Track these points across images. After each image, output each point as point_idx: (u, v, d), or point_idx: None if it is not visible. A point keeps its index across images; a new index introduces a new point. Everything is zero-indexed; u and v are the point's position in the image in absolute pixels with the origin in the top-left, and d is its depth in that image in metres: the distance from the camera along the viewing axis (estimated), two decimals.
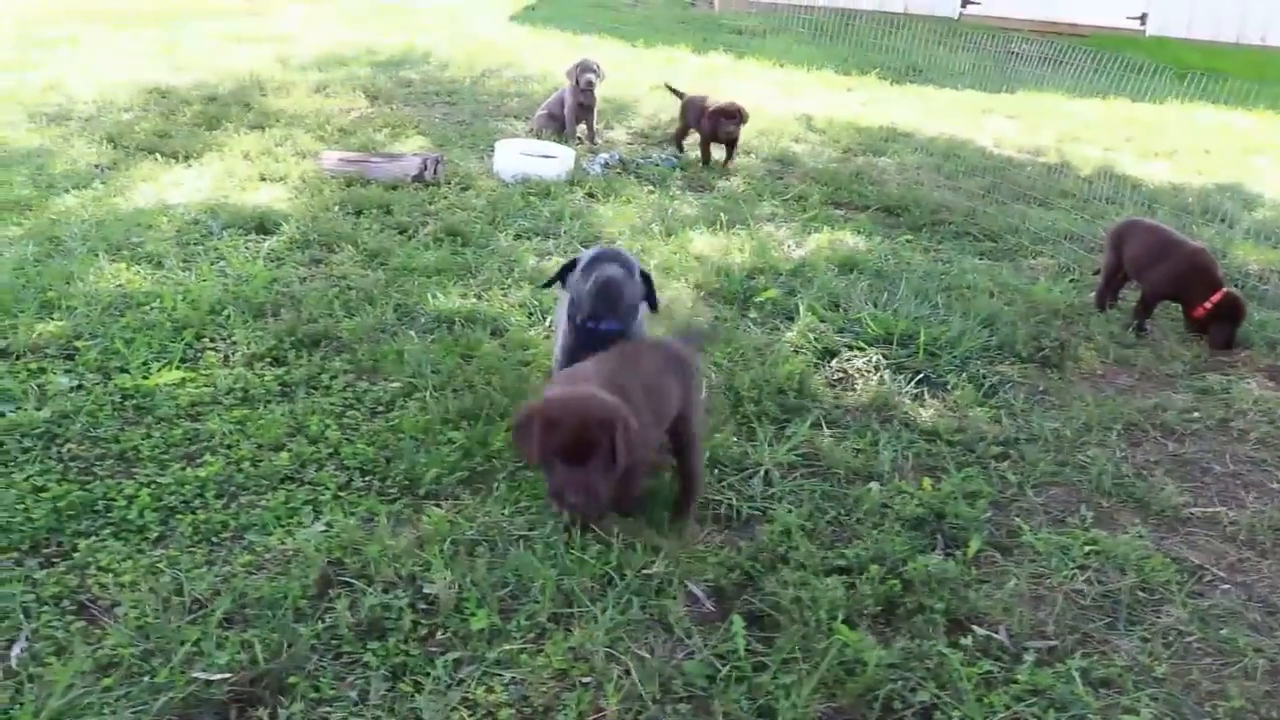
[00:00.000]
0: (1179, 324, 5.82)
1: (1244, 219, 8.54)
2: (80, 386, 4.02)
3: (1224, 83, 14.53)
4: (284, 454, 3.68)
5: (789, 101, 11.67)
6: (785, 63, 14.01)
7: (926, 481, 3.97)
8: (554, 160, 7.55)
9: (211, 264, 5.26)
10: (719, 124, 8.15)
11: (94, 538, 3.18)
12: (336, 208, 6.26)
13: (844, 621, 3.06)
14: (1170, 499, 4.05)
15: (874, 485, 3.93)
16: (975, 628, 3.17)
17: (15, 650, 2.72)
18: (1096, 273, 6.27)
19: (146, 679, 2.63)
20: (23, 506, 3.28)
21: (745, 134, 9.72)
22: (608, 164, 8.08)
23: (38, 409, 3.83)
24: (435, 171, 6.97)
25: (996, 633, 3.18)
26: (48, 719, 2.47)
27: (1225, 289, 5.54)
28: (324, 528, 3.29)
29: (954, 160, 9.83)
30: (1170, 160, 10.79)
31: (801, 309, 5.44)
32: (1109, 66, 14.78)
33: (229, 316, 4.65)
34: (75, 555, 3.09)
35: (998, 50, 17.21)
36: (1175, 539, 3.83)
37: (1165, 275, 5.65)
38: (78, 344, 4.32)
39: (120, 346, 4.29)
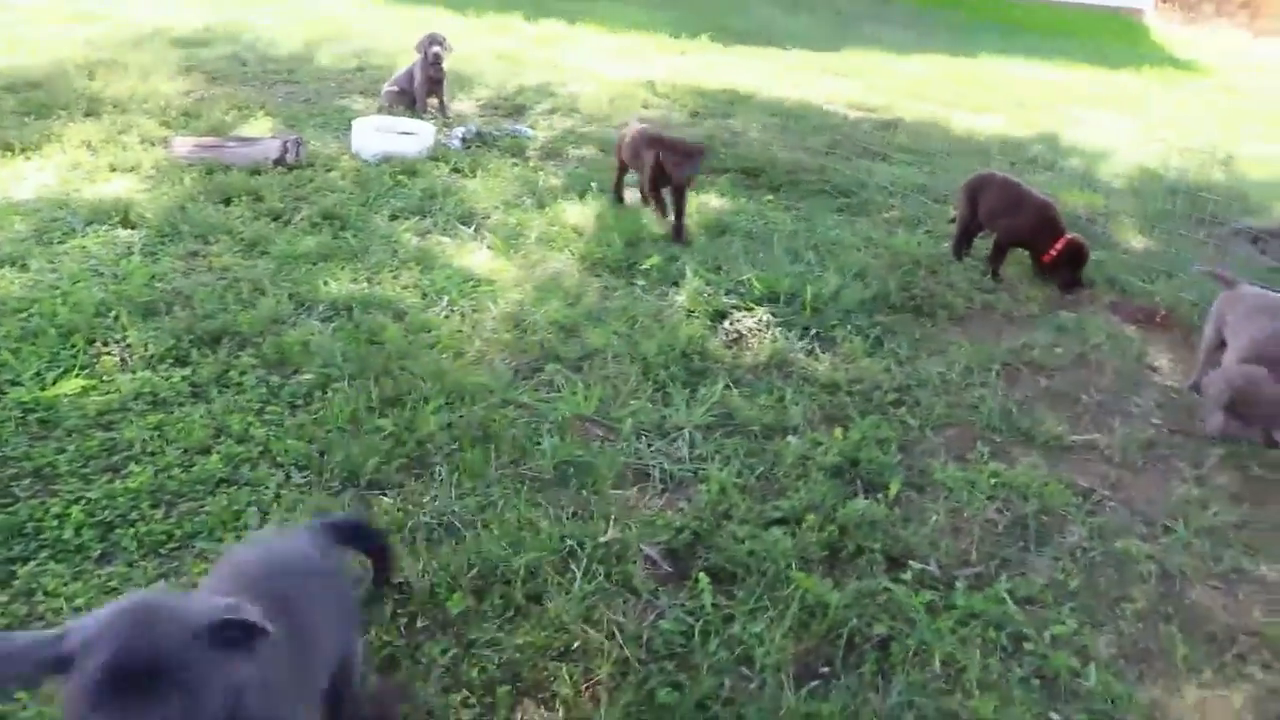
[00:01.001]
0: (1029, 267, 6.26)
1: (1066, 166, 9.20)
2: None
3: (1024, 37, 15.52)
4: (213, 456, 3.59)
5: (629, 67, 11.78)
6: (619, 27, 14.11)
7: (838, 431, 4.21)
8: (414, 137, 7.44)
9: (82, 263, 5.00)
10: (676, 166, 6.20)
11: (31, 562, 3.04)
12: (202, 196, 6.01)
13: (798, 569, 3.26)
14: (1052, 429, 4.43)
15: (791, 439, 4.14)
16: (911, 562, 3.42)
17: None
18: (951, 221, 6.66)
19: None
20: None
21: (596, 103, 9.86)
22: (465, 138, 8.02)
23: None
24: (297, 154, 6.78)
25: (929, 565, 3.44)
26: None
27: (1069, 236, 6.00)
28: (275, 525, 3.26)
29: (798, 120, 10.17)
30: (995, 113, 11.46)
31: (689, 273, 5.60)
32: (928, 24, 15.53)
33: (117, 317, 4.45)
34: (15, 583, 2.96)
35: (825, 10, 17.80)
36: (1064, 465, 4.20)
37: (1017, 226, 6.08)
38: None
39: (8, 358, 4.06)
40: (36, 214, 5.58)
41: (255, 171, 6.52)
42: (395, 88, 8.63)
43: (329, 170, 6.79)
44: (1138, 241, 7.18)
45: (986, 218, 6.24)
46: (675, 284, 5.59)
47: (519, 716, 2.66)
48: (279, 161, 6.69)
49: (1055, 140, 10.49)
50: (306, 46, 10.95)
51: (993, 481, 3.95)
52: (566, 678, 2.77)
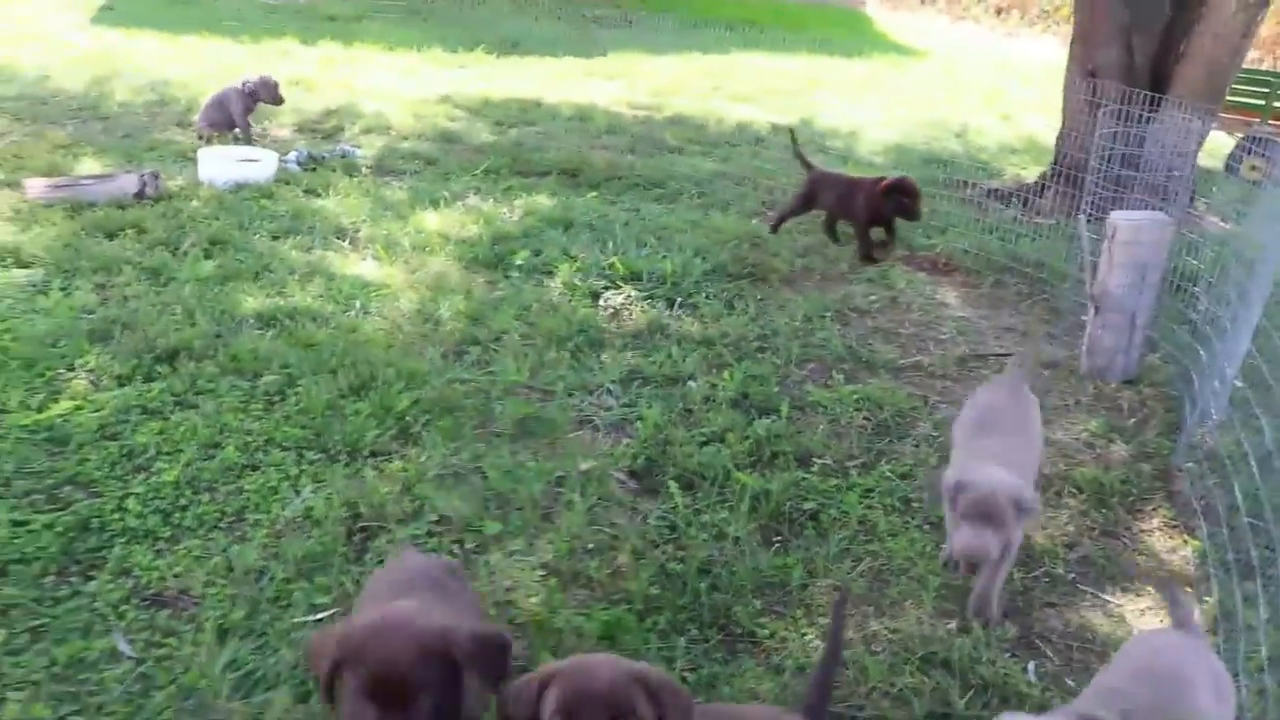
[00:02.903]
0: (838, 234, 7.44)
1: (830, 146, 10.57)
2: None
3: (765, 32, 17.09)
4: (228, 449, 4.10)
5: (419, 83, 12.35)
6: (395, 46, 14.59)
7: (725, 374, 5.16)
8: (260, 164, 7.84)
9: None
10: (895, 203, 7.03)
11: (115, 548, 3.51)
12: (83, 233, 6.28)
13: (739, 471, 4.18)
14: (886, 356, 5.56)
15: (691, 384, 5.06)
16: (814, 459, 4.41)
17: (121, 643, 3.11)
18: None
19: (272, 629, 3.17)
20: (20, 540, 3.51)
21: (404, 119, 10.43)
22: (300, 161, 8.44)
23: None
24: (155, 187, 7.08)
25: (827, 460, 4.43)
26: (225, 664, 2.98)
27: (889, 179, 6.99)
28: (311, 493, 3.86)
29: (589, 122, 11.10)
30: (753, 103, 12.79)
31: (560, 265, 6.41)
32: (674, 26, 16.83)
33: (67, 346, 4.80)
34: (108, 566, 3.43)
35: (573, 19, 18.81)
36: (901, 382, 5.32)
37: (862, 205, 7.06)
38: None
39: None
40: None
41: (119, 206, 6.79)
42: (208, 121, 8.91)
43: (191, 200, 7.13)
44: None
45: (835, 206, 7.26)
46: (548, 273, 6.39)
47: (570, 598, 3.43)
48: (139, 195, 6.98)
49: (812, 124, 11.92)
50: (96, 83, 10.89)
51: (855, 398, 5.01)
52: (595, 566, 3.56)
